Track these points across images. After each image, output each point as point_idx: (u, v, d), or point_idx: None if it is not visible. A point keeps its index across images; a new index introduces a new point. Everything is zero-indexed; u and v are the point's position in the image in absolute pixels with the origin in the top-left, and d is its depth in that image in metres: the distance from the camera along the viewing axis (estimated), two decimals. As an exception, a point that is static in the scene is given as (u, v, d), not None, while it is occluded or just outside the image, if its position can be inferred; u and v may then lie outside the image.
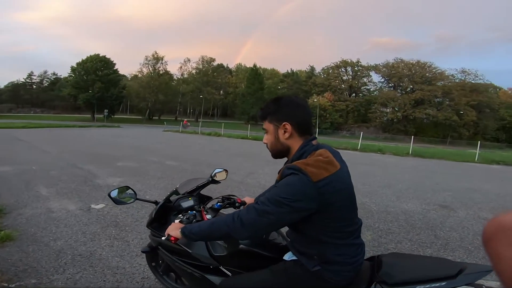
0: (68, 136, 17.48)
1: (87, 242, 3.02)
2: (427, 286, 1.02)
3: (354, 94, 54.21)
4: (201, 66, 62.17)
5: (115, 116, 53.45)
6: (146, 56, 56.55)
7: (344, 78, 54.74)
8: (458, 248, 3.29)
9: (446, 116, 43.23)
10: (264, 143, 1.23)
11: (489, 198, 6.06)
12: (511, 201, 6.00)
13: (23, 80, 76.46)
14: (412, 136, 19.22)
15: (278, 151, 1.20)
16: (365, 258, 1.23)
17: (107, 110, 44.14)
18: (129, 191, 1.61)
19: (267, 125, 1.21)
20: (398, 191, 6.22)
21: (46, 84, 77.09)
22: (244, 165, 8.80)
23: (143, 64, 56.37)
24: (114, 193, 1.56)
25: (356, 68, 53.77)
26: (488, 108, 45.30)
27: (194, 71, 62.48)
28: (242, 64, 75.61)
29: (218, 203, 1.56)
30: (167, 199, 1.65)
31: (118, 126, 35.19)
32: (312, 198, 1.00)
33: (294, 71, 67.49)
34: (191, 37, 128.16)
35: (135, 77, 59.44)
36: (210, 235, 1.14)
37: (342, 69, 54.48)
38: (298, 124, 1.15)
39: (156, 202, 1.66)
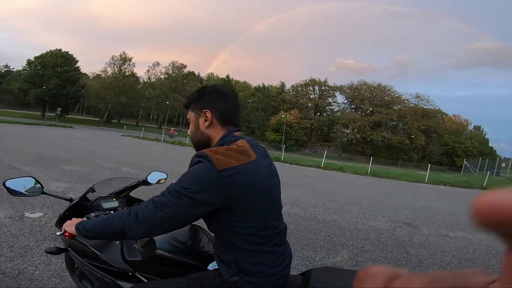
0: (10, 133, 15.34)
1: (14, 258, 2.50)
2: None
3: (319, 113, 56.30)
4: (170, 72, 60.74)
5: (69, 116, 49.35)
6: (113, 55, 53.61)
7: (311, 96, 56.54)
8: (431, 265, 3.32)
9: (399, 139, 46.69)
10: (188, 134, 1.13)
11: (444, 216, 6.42)
12: (463, 218, 6.40)
13: None
14: (371, 158, 20.34)
15: (199, 141, 1.08)
16: (299, 273, 1.15)
17: (60, 109, 40.70)
18: (35, 183, 1.40)
19: (189, 114, 1.11)
20: (364, 209, 6.32)
21: (-6, 77, 68.88)
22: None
23: (108, 64, 53.35)
24: (12, 183, 1.31)
25: (323, 88, 55.87)
26: (435, 133, 49.84)
27: (162, 76, 60.73)
28: (214, 74, 75.56)
29: None
30: (83, 197, 1.49)
31: (70, 127, 32.23)
32: (215, 190, 0.87)
33: (266, 85, 68.63)
34: (164, 43, 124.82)
35: (97, 76, 55.78)
36: (103, 231, 0.97)
37: (310, 88, 56.34)
38: (219, 113, 1.04)
39: (70, 200, 1.50)
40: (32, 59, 45.77)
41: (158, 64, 61.61)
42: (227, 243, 0.97)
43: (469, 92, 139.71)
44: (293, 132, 47.63)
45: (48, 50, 46.28)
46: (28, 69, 45.99)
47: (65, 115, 46.35)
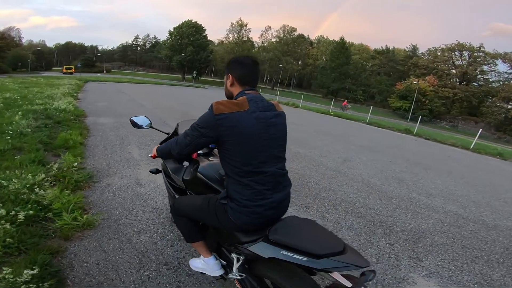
0: (162, 92, 19.05)
1: (174, 242, 2.24)
2: (291, 255, 1.08)
3: (465, 83, 44.57)
4: (282, 35, 61.07)
5: (202, 78, 57.98)
6: (231, 23, 58.69)
7: (457, 63, 45.45)
8: None
9: None
10: None
11: None
12: None
13: (130, 42, 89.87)
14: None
15: (227, 95, 1.46)
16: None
17: (195, 72, 48.27)
18: (146, 119, 1.99)
19: (224, 77, 1.47)
20: None
21: (148, 46, 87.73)
22: (335, 147, 7.62)
23: (229, 31, 58.67)
24: (134, 118, 1.95)
25: (475, 54, 43.74)
26: None
27: (274, 40, 62.00)
28: (325, 36, 71.92)
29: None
30: (174, 132, 2.03)
31: (203, 87, 37.34)
32: (211, 127, 1.24)
33: (390, 48, 59.06)
34: (274, 8, 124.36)
35: (221, 43, 62.39)
36: (165, 151, 1.47)
37: (456, 53, 45.04)
38: (238, 77, 1.38)
39: (168, 133, 2.07)
40: (172, 30, 54.50)
41: (270, 28, 63.59)
42: (225, 171, 1.31)
43: None
44: (427, 101, 40.17)
45: (183, 21, 53.93)
46: (170, 38, 54.99)
47: (199, 77, 54.66)
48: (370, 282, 2.05)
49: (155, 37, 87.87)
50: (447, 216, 3.81)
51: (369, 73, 52.21)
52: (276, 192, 1.29)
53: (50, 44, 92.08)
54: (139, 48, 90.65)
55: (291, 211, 3.07)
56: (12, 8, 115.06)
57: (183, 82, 44.12)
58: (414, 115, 36.96)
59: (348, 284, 0.99)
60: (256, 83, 1.41)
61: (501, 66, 44.54)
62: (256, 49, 63.66)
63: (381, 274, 2.25)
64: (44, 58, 69.37)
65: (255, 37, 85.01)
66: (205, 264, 1.56)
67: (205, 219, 1.42)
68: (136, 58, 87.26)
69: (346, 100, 33.04)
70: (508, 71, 42.64)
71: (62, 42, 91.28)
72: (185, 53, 51.45)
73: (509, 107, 38.63)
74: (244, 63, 1.38)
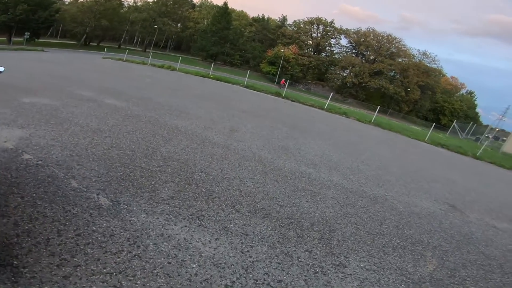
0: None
1: None
2: None
3: (317, 53, 53.17)
4: None
5: (40, 40, 42.98)
6: None
7: (313, 35, 53.04)
8: None
9: (396, 90, 45.86)
10: None
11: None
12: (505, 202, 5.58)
13: None
14: (378, 107, 18.96)
15: None
16: None
17: (28, 33, 35.62)
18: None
19: None
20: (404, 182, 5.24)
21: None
22: (219, 114, 6.88)
23: None
24: None
25: (327, 28, 52.10)
26: (431, 90, 49.29)
27: (150, 0, 55.33)
28: (208, 0, 68.45)
29: None
30: None
31: (41, 50, 27.93)
32: None
33: (266, 17, 62.37)
34: None
35: (75, 1, 48.14)
36: None
37: (314, 26, 52.30)
38: None
39: None
40: None
41: None
42: None
43: (470, 58, 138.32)
44: (290, 67, 45.75)
45: None
46: (-8, -6, 37.51)
47: (35, 39, 40.27)
48: None
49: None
50: (338, 192, 3.83)
51: (245, 39, 53.61)
52: None
53: None
54: None
55: (178, 231, 2.08)
56: None
57: (8, 46, 31.44)
58: (279, 79, 41.51)
59: None
60: None
61: (343, 41, 54.90)
62: (125, 9, 54.01)
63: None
64: None
65: None
66: None
67: None
68: None
69: (284, 79, 31.72)
70: (347, 45, 53.54)
71: None
72: (14, 12, 36.55)
73: (345, 74, 49.39)
74: None
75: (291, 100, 16.43)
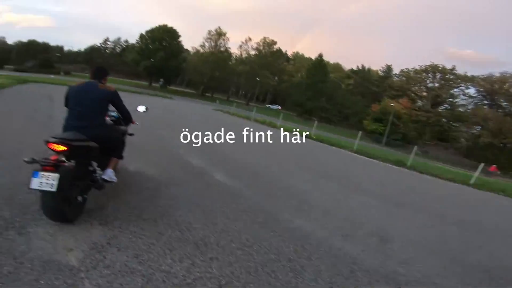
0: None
1: None
2: None
3: (435, 106, 45.14)
4: (261, 48, 59.32)
5: (171, 87, 53.41)
6: (209, 30, 55.28)
7: (429, 85, 45.90)
8: None
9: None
10: None
11: None
12: None
13: (99, 45, 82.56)
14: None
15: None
16: None
17: (162, 80, 43.93)
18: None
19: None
20: None
21: (118, 51, 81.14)
22: (350, 205, 4.72)
23: (206, 39, 55.16)
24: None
25: (447, 76, 44.48)
26: None
27: (253, 52, 60.29)
28: (300, 53, 71.38)
29: None
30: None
31: (170, 97, 33.46)
32: None
33: (365, 67, 59.51)
34: (254, 24, 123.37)
35: (196, 52, 58.48)
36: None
37: (429, 74, 45.54)
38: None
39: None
40: (143, 33, 50.56)
41: (250, 39, 60.79)
42: None
43: None
44: (401, 125, 39.22)
45: (157, 25, 50.24)
46: (140, 42, 50.91)
47: (168, 86, 50.13)
48: None
49: (126, 41, 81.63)
50: None
51: (344, 92, 51.22)
52: None
53: (12, 41, 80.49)
54: (107, 51, 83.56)
55: None
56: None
57: (148, 90, 39.64)
58: (388, 139, 36.05)
59: None
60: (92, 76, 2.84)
61: (470, 90, 45.29)
62: (234, 61, 61.12)
63: None
64: (-5, 55, 60.79)
65: (234, 48, 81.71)
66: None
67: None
68: (103, 62, 79.85)
69: (494, 166, 26.51)
70: (475, 95, 43.86)
71: (26, 40, 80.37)
72: (155, 58, 47.18)
73: (477, 132, 39.25)
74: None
75: (419, 172, 12.45)
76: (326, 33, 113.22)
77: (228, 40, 55.89)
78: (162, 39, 48.83)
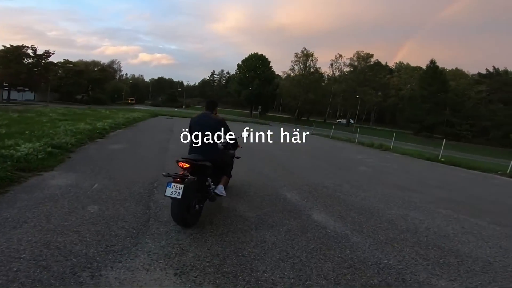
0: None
1: None
2: None
3: None
4: (356, 63, 55.74)
5: (268, 114, 56.04)
6: (296, 53, 56.09)
7: None
8: None
9: None
10: None
11: None
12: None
13: (208, 78, 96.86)
14: None
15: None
16: None
17: (260, 107, 46.80)
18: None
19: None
20: None
21: (223, 82, 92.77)
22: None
23: (294, 62, 56.05)
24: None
25: None
26: None
27: (346, 69, 57.94)
28: (404, 62, 63.37)
29: None
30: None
31: (267, 124, 34.67)
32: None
33: (499, 69, 46.54)
34: (343, 42, 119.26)
35: (287, 76, 60.19)
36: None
37: None
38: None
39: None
40: (240, 63, 55.72)
41: (340, 56, 58.12)
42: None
43: None
44: None
45: (250, 54, 54.81)
46: (239, 72, 56.03)
47: (265, 113, 52.85)
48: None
49: (228, 73, 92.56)
50: None
51: (475, 101, 41.21)
52: None
53: (148, 78, 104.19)
54: (215, 83, 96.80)
55: None
56: (126, 46, 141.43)
57: (249, 118, 42.56)
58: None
59: None
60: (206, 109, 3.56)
61: None
62: (326, 81, 59.55)
63: None
64: (138, 91, 78.78)
65: (324, 68, 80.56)
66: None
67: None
68: (213, 94, 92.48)
69: None
70: None
71: (157, 77, 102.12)
72: (252, 86, 50.83)
73: None
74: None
75: None
76: (430, 38, 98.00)
77: (317, 60, 55.59)
78: (256, 67, 52.25)
